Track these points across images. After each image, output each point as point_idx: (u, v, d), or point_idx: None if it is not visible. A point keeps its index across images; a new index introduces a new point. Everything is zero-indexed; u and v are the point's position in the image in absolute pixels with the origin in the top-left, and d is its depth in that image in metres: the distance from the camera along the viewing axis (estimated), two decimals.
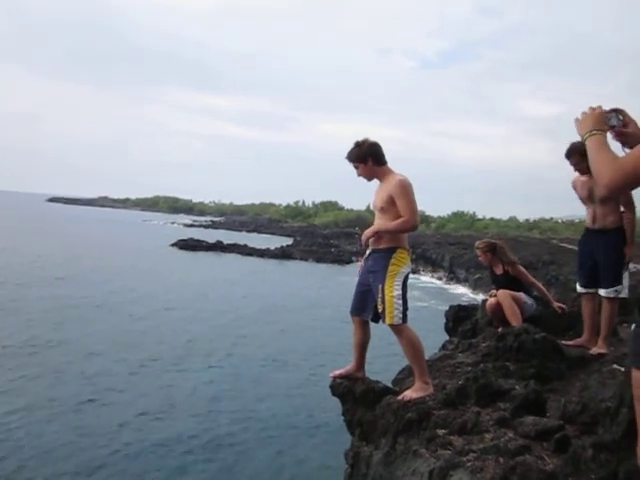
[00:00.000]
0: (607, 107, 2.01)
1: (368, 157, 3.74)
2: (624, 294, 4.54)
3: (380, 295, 3.62)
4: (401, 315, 3.59)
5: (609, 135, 1.98)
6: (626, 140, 2.01)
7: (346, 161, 3.87)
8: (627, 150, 1.94)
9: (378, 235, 3.74)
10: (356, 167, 3.83)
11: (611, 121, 2.01)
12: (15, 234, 40.14)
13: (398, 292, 3.60)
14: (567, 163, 4.60)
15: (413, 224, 3.63)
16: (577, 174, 4.63)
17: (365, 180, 3.87)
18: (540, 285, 5.66)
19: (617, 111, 2.03)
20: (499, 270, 5.61)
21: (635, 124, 2.05)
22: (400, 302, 3.59)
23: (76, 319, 16.10)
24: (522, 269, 5.58)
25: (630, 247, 4.49)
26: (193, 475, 7.65)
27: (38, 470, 7.43)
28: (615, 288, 4.45)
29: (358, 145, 3.78)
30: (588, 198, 4.53)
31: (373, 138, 3.81)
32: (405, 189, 3.62)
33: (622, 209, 4.47)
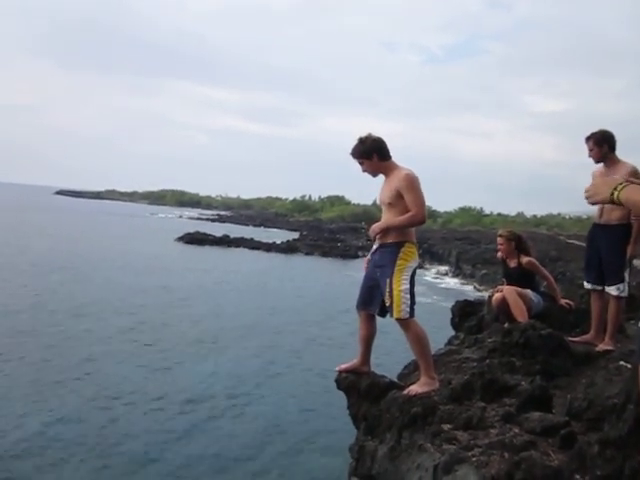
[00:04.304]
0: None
1: (373, 152, 3.74)
2: (624, 293, 4.48)
3: (388, 289, 3.62)
4: (408, 309, 3.60)
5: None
6: None
7: (351, 157, 3.87)
8: None
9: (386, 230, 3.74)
10: (361, 163, 3.83)
11: None
12: (24, 229, 40.34)
13: (406, 286, 3.61)
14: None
15: (421, 218, 3.65)
16: (599, 165, 4.58)
17: (370, 176, 3.87)
18: (552, 280, 5.66)
19: None
20: (513, 263, 5.59)
21: None
22: (408, 296, 3.60)
23: (76, 313, 16.13)
24: (537, 262, 5.58)
25: (633, 245, 4.42)
26: (195, 465, 7.69)
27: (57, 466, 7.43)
28: (617, 286, 4.41)
29: (362, 141, 3.78)
30: None
31: (377, 133, 3.82)
32: (412, 183, 3.63)
33: None
